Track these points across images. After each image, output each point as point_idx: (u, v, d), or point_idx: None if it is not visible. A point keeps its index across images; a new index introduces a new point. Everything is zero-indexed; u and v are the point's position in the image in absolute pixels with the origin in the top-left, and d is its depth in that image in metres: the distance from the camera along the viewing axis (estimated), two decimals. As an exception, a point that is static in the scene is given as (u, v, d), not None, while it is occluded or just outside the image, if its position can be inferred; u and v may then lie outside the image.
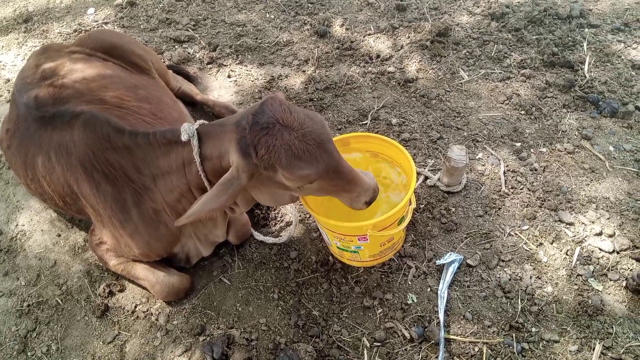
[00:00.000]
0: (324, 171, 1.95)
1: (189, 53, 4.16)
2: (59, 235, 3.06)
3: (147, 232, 2.44)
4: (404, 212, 2.43)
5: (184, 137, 2.07)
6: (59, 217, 3.12)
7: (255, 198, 2.29)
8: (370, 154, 2.74)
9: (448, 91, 3.61)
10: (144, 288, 2.74)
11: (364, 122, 3.48)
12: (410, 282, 2.64)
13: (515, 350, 2.35)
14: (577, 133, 3.24)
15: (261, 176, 2.00)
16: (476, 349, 2.39)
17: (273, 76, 3.92)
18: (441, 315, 2.48)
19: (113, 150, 2.28)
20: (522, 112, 3.40)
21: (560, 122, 3.31)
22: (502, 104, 3.47)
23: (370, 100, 3.62)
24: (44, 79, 2.70)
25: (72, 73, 2.73)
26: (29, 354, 2.60)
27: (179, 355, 2.52)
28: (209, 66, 4.07)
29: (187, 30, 4.44)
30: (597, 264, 2.61)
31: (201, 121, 2.17)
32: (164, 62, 3.80)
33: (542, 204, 2.88)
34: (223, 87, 3.90)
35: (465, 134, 3.30)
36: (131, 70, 3.05)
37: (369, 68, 3.87)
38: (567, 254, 2.65)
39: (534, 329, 2.42)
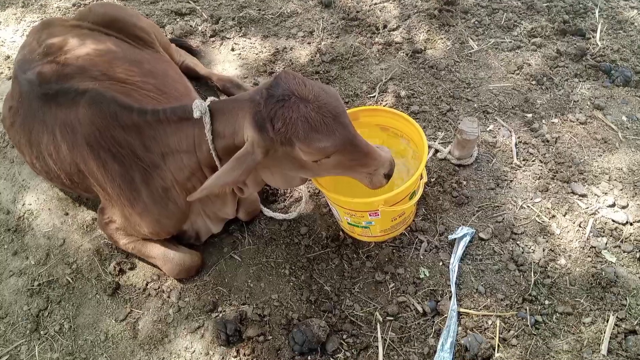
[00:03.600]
0: (341, 144, 1.92)
1: (190, 26, 4.07)
2: (67, 214, 3.03)
3: (157, 211, 2.42)
4: (416, 186, 2.40)
5: (196, 114, 2.02)
6: (65, 196, 3.10)
7: (266, 180, 2.27)
8: (380, 127, 2.69)
9: (457, 62, 3.53)
10: (154, 266, 2.73)
11: (372, 95, 3.42)
12: (422, 257, 2.63)
13: (529, 323, 2.35)
14: (589, 103, 3.18)
15: (276, 153, 1.97)
16: (489, 322, 2.39)
17: (277, 49, 3.84)
18: (453, 289, 2.47)
19: (120, 128, 2.24)
20: (533, 82, 3.33)
21: (572, 92, 3.24)
22: (513, 74, 3.40)
23: (377, 72, 3.55)
24: (47, 55, 2.64)
25: (74, 49, 2.67)
26: (41, 332, 2.60)
27: (191, 332, 2.53)
28: (212, 39, 3.98)
29: (189, 2, 4.33)
30: (611, 235, 2.59)
31: (212, 98, 2.13)
32: (165, 35, 3.71)
33: (555, 176, 2.84)
34: (227, 60, 3.82)
35: (475, 105, 3.24)
36: (134, 44, 2.98)
37: (376, 39, 3.78)
38: (580, 226, 2.63)
39: (547, 302, 2.42)
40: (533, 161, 2.92)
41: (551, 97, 3.23)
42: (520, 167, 2.90)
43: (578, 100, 3.19)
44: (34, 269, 2.83)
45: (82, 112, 2.28)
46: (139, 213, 2.44)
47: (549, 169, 2.87)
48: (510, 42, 3.60)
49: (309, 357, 2.37)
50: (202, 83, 3.64)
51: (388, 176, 2.19)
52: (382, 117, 2.63)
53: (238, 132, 2.02)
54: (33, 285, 2.76)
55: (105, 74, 2.57)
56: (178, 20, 4.15)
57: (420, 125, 3.08)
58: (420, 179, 2.42)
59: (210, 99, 2.13)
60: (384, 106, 3.30)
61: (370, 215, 2.43)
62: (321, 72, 3.61)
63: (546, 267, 2.51)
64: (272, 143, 1.92)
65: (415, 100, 3.31)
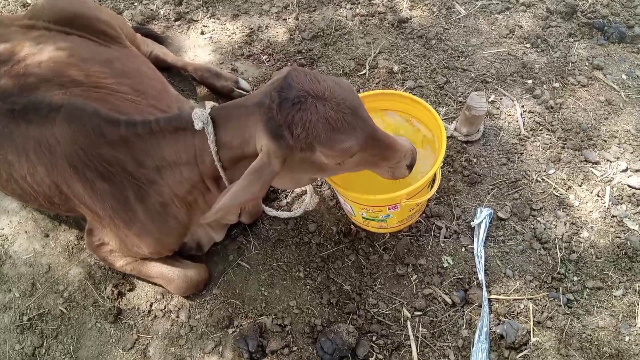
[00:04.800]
0: (364, 140, 1.75)
1: (151, 10, 3.70)
2: (47, 236, 2.74)
3: (156, 229, 2.18)
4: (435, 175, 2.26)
5: (197, 125, 1.79)
6: (42, 215, 2.79)
7: (272, 183, 2.07)
8: (386, 112, 2.50)
9: (446, 29, 3.35)
10: (157, 285, 2.51)
11: (362, 72, 3.21)
12: (442, 244, 2.51)
13: (561, 303, 2.29)
14: (587, 63, 3.08)
15: (293, 160, 1.77)
16: (521, 306, 2.31)
17: (252, 28, 3.54)
18: (481, 276, 2.37)
19: (107, 144, 1.97)
20: (528, 46, 3.20)
21: (568, 52, 3.14)
22: (506, 37, 3.26)
23: (364, 47, 3.33)
24: (1, 64, 2.29)
25: (33, 54, 2.32)
26: (41, 373, 2.36)
27: (209, 353, 2.34)
28: (177, 23, 3.63)
29: (144, -18, 3.93)
30: (629, 202, 2.54)
31: (212, 104, 1.89)
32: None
33: (565, 144, 2.75)
34: (197, 45, 3.51)
35: (472, 75, 3.09)
36: (99, 41, 2.64)
37: (357, 10, 3.54)
38: (598, 195, 2.57)
39: (575, 278, 2.36)
40: (540, 130, 2.82)
41: (548, 60, 3.11)
42: (529, 137, 2.80)
43: (576, 62, 3.09)
44: (20, 302, 2.54)
45: (59, 131, 1.99)
46: (136, 234, 2.20)
47: (558, 137, 2.78)
48: (498, 3, 3.44)
49: (340, 366, 2.24)
50: (174, 74, 3.33)
51: (410, 166, 2.03)
52: (388, 100, 2.45)
53: (249, 141, 1.80)
54: (22, 321, 2.48)
55: (74, 80, 2.26)
56: (136, 4, 3.77)
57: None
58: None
59: (209, 105, 1.89)
60: (376, 83, 3.11)
61: (389, 209, 2.27)
62: (303, 51, 3.36)
63: (570, 242, 2.44)
64: (290, 151, 1.72)
65: (409, 75, 3.13)
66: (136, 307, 2.49)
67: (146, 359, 2.36)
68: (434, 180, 2.27)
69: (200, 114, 1.81)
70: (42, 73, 2.24)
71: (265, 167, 1.75)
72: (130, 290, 2.54)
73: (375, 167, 2.00)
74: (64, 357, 2.38)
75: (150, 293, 2.53)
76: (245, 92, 3.16)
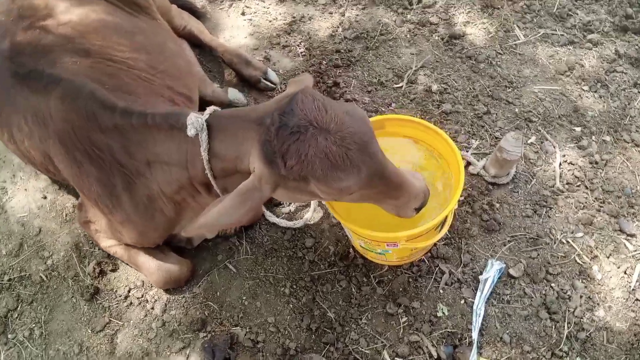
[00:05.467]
0: (367, 180, 1.57)
1: (197, -19, 3.56)
2: (45, 198, 2.69)
3: (141, 222, 2.09)
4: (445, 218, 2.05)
5: (190, 132, 1.65)
6: (44, 177, 2.74)
7: (275, 196, 1.92)
8: (408, 140, 2.30)
9: (500, 53, 3.08)
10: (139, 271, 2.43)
11: (398, 85, 2.99)
12: (441, 291, 2.32)
13: (556, 384, 2.07)
14: (648, 120, 2.77)
15: (287, 185, 1.61)
16: (512, 377, 2.11)
17: (294, 17, 3.37)
18: (475, 335, 2.17)
19: (99, 130, 1.88)
20: (585, 88, 2.90)
21: (628, 104, 2.82)
22: (563, 75, 2.96)
23: (407, 58, 3.11)
24: (22, 18, 2.20)
25: (56, 13, 2.23)
26: (9, 336, 2.33)
27: (176, 352, 2.25)
28: (221, -1, 3.50)
29: (198, -50, 3.79)
30: (660, 287, 2.27)
31: (212, 108, 1.74)
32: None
33: (601, 207, 2.48)
34: (236, 26, 3.36)
35: (517, 110, 2.83)
36: (128, 9, 2.52)
37: (408, 16, 3.30)
38: (625, 273, 2.30)
39: (578, 359, 2.13)
40: (578, 186, 2.55)
41: (604, 109, 2.81)
42: (563, 192, 2.53)
43: (635, 116, 2.77)
44: (4, 260, 2.52)
45: (53, 105, 1.91)
46: (120, 222, 2.11)
47: (595, 198, 2.51)
48: (562, 35, 3.13)
49: (304, 400, 2.11)
50: (206, 52, 3.20)
51: (419, 209, 1.85)
52: (412, 128, 2.24)
53: (243, 158, 1.66)
54: (3, 280, 2.46)
55: (89, 50, 2.16)
56: (184, -28, 3.64)
57: (452, 129, 2.73)
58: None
59: (210, 110, 1.74)
60: (411, 101, 2.89)
61: (387, 245, 2.09)
62: (342, 50, 3.17)
63: (582, 318, 2.20)
64: (283, 179, 1.56)
65: (448, 97, 2.89)
66: (114, 290, 2.42)
67: (112, 345, 2.29)
68: (444, 221, 2.07)
69: (194, 120, 1.67)
70: (58, 36, 2.15)
71: (255, 191, 1.61)
72: (113, 270, 2.47)
73: (380, 203, 1.83)
74: (34, 325, 2.35)
75: (131, 278, 2.45)
76: (272, 85, 3.01)
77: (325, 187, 1.54)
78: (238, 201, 1.60)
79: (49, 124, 1.93)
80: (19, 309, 2.39)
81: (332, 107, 1.53)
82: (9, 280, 2.46)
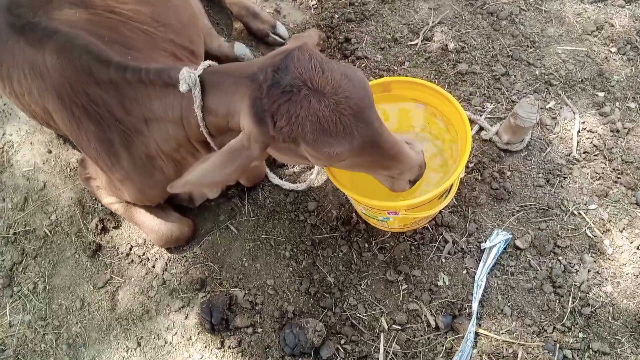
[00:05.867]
0: (359, 147, 1.50)
1: None
2: (50, 152, 2.69)
3: (140, 179, 2.06)
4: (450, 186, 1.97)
5: (182, 87, 1.59)
6: (50, 130, 2.72)
7: (270, 154, 1.87)
8: (415, 102, 2.19)
9: (524, 10, 2.88)
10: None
11: (413, 42, 2.84)
12: (444, 260, 2.26)
13: (555, 358, 2.03)
14: (678, 86, 2.58)
15: (277, 146, 1.55)
16: (510, 350, 2.07)
17: (308, -34, 3.19)
18: (475, 306, 2.13)
19: (95, 84, 1.82)
20: (613, 50, 2.70)
21: (659, 68, 2.64)
22: (590, 35, 2.76)
23: (424, 13, 2.93)
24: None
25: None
26: (14, 289, 2.38)
27: (175, 311, 2.28)
28: (232, -55, 3.32)
29: None
30: (674, 265, 2.17)
31: (207, 63, 1.67)
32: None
33: (618, 179, 2.36)
34: (246, -25, 3.21)
35: (537, 72, 2.67)
36: (132, -44, 2.41)
37: (428, -33, 3.10)
38: (638, 249, 2.20)
39: (581, 335, 2.07)
40: (596, 156, 2.42)
41: (632, 73, 2.62)
42: (579, 161, 2.41)
43: (665, 81, 2.59)
44: (10, 214, 2.55)
45: (49, 60, 1.86)
46: (119, 179, 2.09)
47: (613, 169, 2.38)
48: (594, -10, 2.90)
49: (299, 360, 2.12)
50: (215, 3, 3.08)
51: (413, 182, 1.77)
52: (420, 91, 2.13)
53: (233, 114, 1.60)
54: (8, 234, 2.50)
55: (89, 1, 2.08)
56: None
57: (466, 90, 2.60)
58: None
59: (204, 64, 1.67)
60: (426, 59, 2.75)
61: (388, 213, 2.03)
62: (356, 3, 3.01)
63: (588, 294, 2.13)
64: (272, 139, 1.50)
65: (465, 57, 2.74)
66: (116, 247, 2.43)
67: (113, 301, 2.33)
68: (449, 190, 1.99)
69: (186, 76, 1.60)
70: (59, -17, 2.06)
71: (243, 149, 1.55)
72: (115, 227, 2.48)
73: (373, 173, 1.76)
74: (38, 279, 2.39)
75: (133, 235, 2.46)
76: (281, 40, 2.89)
77: (314, 151, 1.47)
78: (226, 159, 1.55)
79: (46, 78, 1.89)
80: (23, 262, 2.43)
81: (330, 68, 1.44)
82: (14, 234, 2.49)
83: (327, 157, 1.50)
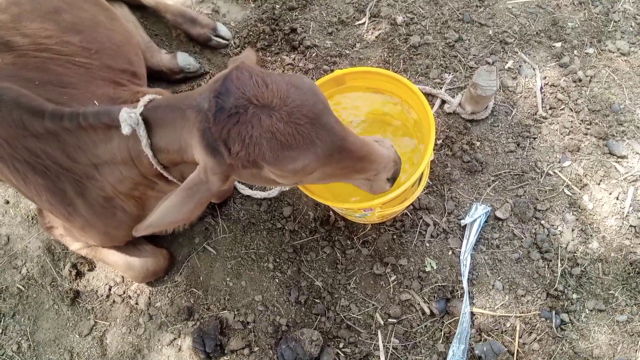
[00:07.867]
0: (325, 155, 1.41)
1: None
2: (7, 202, 2.56)
3: (102, 223, 1.96)
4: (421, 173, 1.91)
5: (125, 130, 1.47)
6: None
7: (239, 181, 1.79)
8: (373, 91, 2.11)
9: (467, -32, 2.78)
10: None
11: (360, 22, 2.74)
12: (428, 244, 2.23)
13: (553, 324, 2.03)
14: (634, 24, 2.53)
15: (240, 174, 1.47)
16: (508, 324, 2.06)
17: (239, -42, 3.03)
18: (465, 286, 2.11)
19: (33, 137, 1.70)
20: (564, -5, 2.64)
21: (612, 7, 2.57)
22: (538, -17, 2.69)
23: (366, -12, 2.82)
24: None
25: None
26: (-2, 353, 2.30)
27: (167, 345, 2.22)
28: (156, -53, 3.13)
29: None
30: (654, 209, 2.16)
31: (147, 98, 1.56)
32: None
33: (588, 130, 2.32)
34: (177, -22, 3.04)
35: (490, 32, 2.59)
36: (48, -18, 2.25)
37: (363, -62, 2.96)
38: (617, 199, 2.19)
39: (575, 296, 2.07)
40: (562, 110, 2.38)
41: (586, 17, 2.56)
42: (546, 118, 2.37)
43: (619, 20, 2.53)
44: (-23, 276, 2.44)
45: None
46: (80, 227, 1.98)
47: (581, 120, 2.34)
48: None
49: (301, 376, 2.09)
50: (150, 13, 2.92)
51: (393, 179, 1.71)
52: (375, 79, 2.04)
53: (186, 149, 1.50)
54: (-21, 296, 2.39)
55: (10, 44, 1.94)
56: None
57: (422, 64, 2.52)
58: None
59: (145, 99, 1.56)
60: (375, 37, 2.65)
61: (364, 210, 1.97)
62: (296, -10, 2.88)
63: (575, 253, 2.12)
64: (231, 168, 1.41)
65: (415, 29, 2.65)
66: (95, 290, 2.35)
67: (103, 347, 2.26)
68: (421, 176, 1.93)
69: (127, 117, 1.49)
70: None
71: (202, 184, 1.46)
72: (90, 270, 2.39)
73: (348, 180, 1.69)
74: (20, 338, 2.30)
75: (110, 275, 2.37)
76: (224, 42, 2.76)
77: (278, 170, 1.38)
78: (184, 197, 1.46)
79: None
80: (2, 323, 2.34)
81: (273, 81, 1.35)
82: (-14, 295, 2.39)
83: (293, 172, 1.41)
